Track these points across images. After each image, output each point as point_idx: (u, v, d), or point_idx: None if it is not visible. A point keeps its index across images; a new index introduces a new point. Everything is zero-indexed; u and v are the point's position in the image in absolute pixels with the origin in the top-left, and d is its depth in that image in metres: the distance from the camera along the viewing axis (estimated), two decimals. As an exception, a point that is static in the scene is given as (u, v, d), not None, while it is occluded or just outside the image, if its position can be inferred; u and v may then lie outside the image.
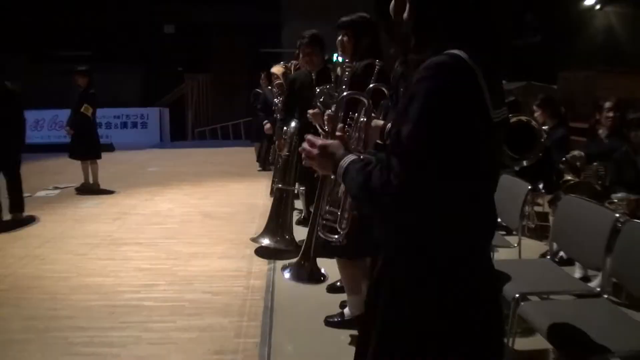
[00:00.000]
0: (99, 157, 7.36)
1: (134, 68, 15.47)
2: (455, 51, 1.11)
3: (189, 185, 7.82)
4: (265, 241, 4.32)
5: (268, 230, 4.38)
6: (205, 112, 14.57)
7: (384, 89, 2.23)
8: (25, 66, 14.95)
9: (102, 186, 7.44)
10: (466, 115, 1.10)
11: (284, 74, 5.42)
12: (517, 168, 4.78)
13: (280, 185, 4.35)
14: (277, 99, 5.92)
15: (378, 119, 1.94)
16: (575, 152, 4.53)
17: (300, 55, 4.28)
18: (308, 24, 14.66)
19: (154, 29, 15.04)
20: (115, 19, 14.57)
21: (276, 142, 4.55)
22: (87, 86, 7.18)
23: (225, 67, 14.32)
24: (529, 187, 3.22)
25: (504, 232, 4.06)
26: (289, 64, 5.59)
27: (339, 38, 3.01)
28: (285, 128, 4.42)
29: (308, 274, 3.05)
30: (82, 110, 7.04)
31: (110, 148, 11.58)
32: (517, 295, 2.38)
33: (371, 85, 2.22)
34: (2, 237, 5.12)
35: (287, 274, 3.08)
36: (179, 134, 14.54)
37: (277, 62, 14.77)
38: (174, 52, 15.21)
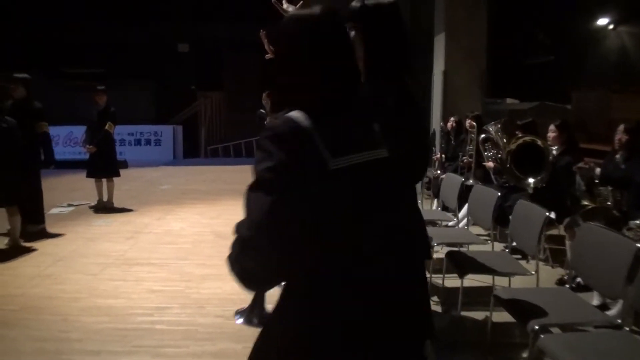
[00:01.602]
0: (118, 174, 7.42)
1: (148, 86, 15.64)
2: (293, 113, 1.25)
3: (201, 203, 7.83)
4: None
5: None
6: (218, 130, 14.67)
7: None
8: (41, 83, 15.17)
9: (116, 204, 7.48)
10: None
11: None
12: (530, 191, 4.75)
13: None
14: None
15: None
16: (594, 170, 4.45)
17: None
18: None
19: (168, 47, 15.22)
20: (129, 37, 14.76)
21: None
22: (106, 104, 7.27)
23: (238, 85, 14.43)
24: (547, 213, 3.16)
25: (519, 256, 4.01)
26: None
27: None
28: None
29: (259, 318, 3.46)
30: (106, 127, 7.11)
31: (123, 165, 11.63)
32: (536, 327, 2.32)
33: None
34: (14, 254, 5.13)
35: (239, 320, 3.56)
36: (192, 151, 14.62)
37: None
38: (188, 70, 15.36)
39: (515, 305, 2.69)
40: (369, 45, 1.85)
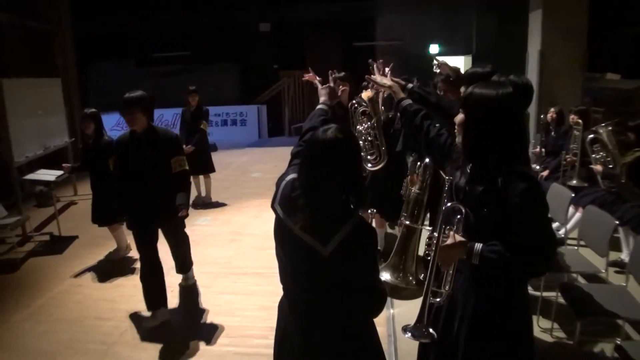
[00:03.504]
0: (214, 170, 7.74)
1: (232, 67, 15.95)
2: None
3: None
4: (386, 276, 4.36)
5: (390, 265, 4.41)
6: (301, 108, 14.76)
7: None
8: (131, 69, 15.88)
9: (213, 198, 7.83)
10: None
11: (371, 99, 5.04)
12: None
13: (408, 222, 4.33)
14: (362, 126, 4.74)
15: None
16: None
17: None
18: (402, 16, 14.39)
19: (250, 28, 15.35)
20: (212, 19, 15.02)
21: (408, 177, 4.50)
22: (199, 104, 7.53)
23: (320, 62, 14.38)
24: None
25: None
26: (378, 90, 5.12)
27: None
28: (419, 163, 4.37)
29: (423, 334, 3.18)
30: (201, 127, 7.40)
31: (213, 148, 12.06)
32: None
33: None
34: (131, 264, 5.53)
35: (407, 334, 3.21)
36: (276, 130, 14.89)
37: (370, 55, 14.77)
38: (270, 50, 15.48)
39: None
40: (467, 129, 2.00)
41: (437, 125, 2.45)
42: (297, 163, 1.96)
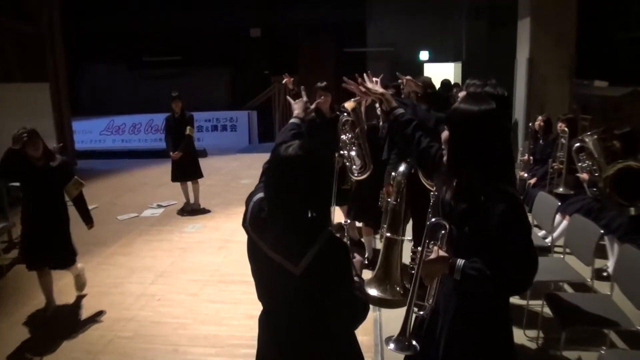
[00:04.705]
0: (202, 176, 7.72)
1: (223, 72, 15.94)
2: None
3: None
4: (372, 291, 4.36)
5: (375, 279, 4.42)
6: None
7: None
8: (123, 73, 15.83)
9: (201, 204, 7.81)
10: None
11: (354, 110, 5.04)
12: (632, 212, 4.52)
13: (388, 235, 4.34)
14: (346, 136, 4.91)
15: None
16: None
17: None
18: (393, 23, 14.45)
19: (241, 33, 15.35)
20: (204, 24, 15.01)
21: (384, 188, 4.51)
22: (182, 110, 7.48)
23: (311, 68, 14.42)
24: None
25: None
26: (361, 99, 5.07)
27: None
28: (393, 173, 4.37)
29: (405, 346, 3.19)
30: (187, 132, 7.38)
31: (203, 154, 12.05)
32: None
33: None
34: (119, 271, 5.50)
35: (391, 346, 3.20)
36: (266, 135, 14.88)
37: (361, 61, 14.82)
38: (261, 55, 15.49)
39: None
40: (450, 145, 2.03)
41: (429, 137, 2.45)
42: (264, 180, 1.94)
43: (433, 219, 2.04)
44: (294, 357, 1.94)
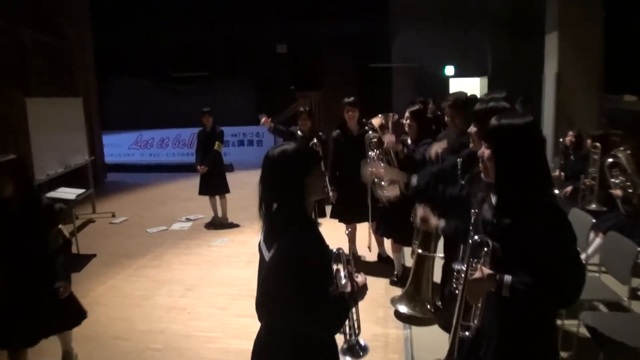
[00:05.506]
0: (229, 191, 7.78)
1: (249, 87, 16.12)
2: None
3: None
4: (402, 307, 4.33)
5: (406, 296, 4.39)
6: (317, 129, 14.82)
7: None
8: (149, 88, 16.13)
9: (229, 218, 7.87)
10: None
11: (381, 126, 5.10)
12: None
13: (420, 251, 4.31)
14: (374, 152, 4.98)
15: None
16: None
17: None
18: (417, 38, 14.43)
19: (267, 48, 15.54)
20: (231, 39, 15.23)
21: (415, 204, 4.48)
22: (213, 125, 7.62)
23: (336, 84, 14.48)
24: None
25: None
26: (388, 115, 5.01)
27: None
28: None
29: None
30: (215, 147, 7.48)
31: (230, 168, 12.15)
32: None
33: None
34: (149, 283, 5.57)
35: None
36: (291, 149, 14.95)
37: (386, 76, 14.84)
38: (287, 71, 15.64)
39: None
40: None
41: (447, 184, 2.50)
42: None
43: (476, 237, 2.03)
44: (255, 351, 2.10)
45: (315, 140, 5.96)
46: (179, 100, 15.51)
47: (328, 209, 6.07)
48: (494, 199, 2.07)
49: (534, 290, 1.88)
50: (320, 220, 5.95)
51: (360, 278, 2.07)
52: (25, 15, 8.96)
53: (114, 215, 8.55)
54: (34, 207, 3.38)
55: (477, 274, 1.95)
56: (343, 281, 2.03)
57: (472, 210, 2.18)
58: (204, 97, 13.65)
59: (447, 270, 3.70)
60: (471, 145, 2.62)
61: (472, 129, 2.58)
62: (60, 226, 3.50)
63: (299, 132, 6.20)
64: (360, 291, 2.05)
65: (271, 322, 2.02)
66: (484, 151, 2.05)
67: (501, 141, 1.99)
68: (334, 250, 2.06)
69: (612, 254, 3.93)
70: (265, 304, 2.02)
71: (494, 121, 2.03)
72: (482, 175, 2.11)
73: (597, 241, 5.09)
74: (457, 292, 2.06)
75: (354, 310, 2.09)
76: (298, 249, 1.88)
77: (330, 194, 5.63)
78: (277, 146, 2.05)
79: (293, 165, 1.97)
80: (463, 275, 2.03)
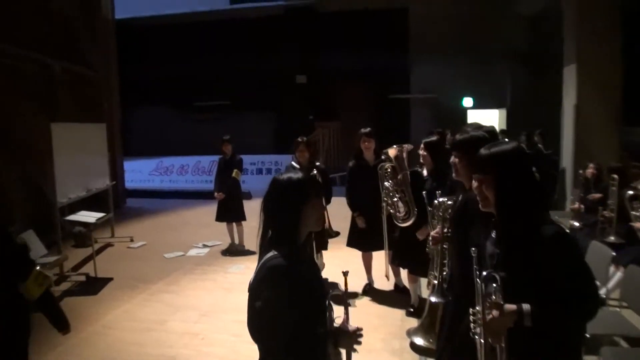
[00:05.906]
0: (245, 219, 7.82)
1: (268, 117, 16.34)
2: None
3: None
4: (418, 340, 4.26)
5: (422, 327, 4.33)
6: (336, 160, 14.90)
7: None
8: (171, 116, 16.45)
9: (246, 245, 7.89)
10: None
11: (397, 157, 5.01)
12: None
13: (436, 282, 4.25)
14: (389, 182, 5.00)
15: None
16: None
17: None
18: (436, 69, 14.56)
19: (287, 79, 15.79)
20: (250, 70, 15.53)
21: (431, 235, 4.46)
22: (232, 152, 7.72)
23: (355, 115, 14.60)
24: None
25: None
26: (403, 146, 5.08)
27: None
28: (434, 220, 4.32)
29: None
30: (233, 175, 7.57)
31: (247, 196, 12.20)
32: None
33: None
34: (163, 308, 5.58)
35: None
36: (309, 179, 15.03)
37: (404, 107, 14.93)
38: (305, 101, 15.84)
39: None
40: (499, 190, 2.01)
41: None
42: None
43: (484, 273, 1.98)
44: None
45: (315, 172, 5.58)
46: (200, 128, 15.76)
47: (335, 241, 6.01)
48: (493, 233, 2.06)
49: (555, 312, 1.86)
50: (334, 250, 5.91)
51: (341, 324, 2.07)
52: (56, 46, 9.27)
53: (132, 240, 8.63)
54: (6, 252, 2.87)
55: (495, 312, 1.88)
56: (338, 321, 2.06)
57: (472, 249, 2.10)
58: (224, 126, 13.85)
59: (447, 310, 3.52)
60: (454, 175, 2.69)
61: (454, 159, 2.63)
62: (38, 267, 2.99)
63: (293, 164, 6.02)
64: (339, 335, 2.05)
65: (261, 344, 2.02)
66: (478, 181, 2.05)
67: (500, 168, 1.99)
68: (331, 291, 2.11)
69: (633, 288, 3.85)
70: (252, 324, 2.05)
71: (484, 151, 2.04)
72: (481, 206, 2.09)
73: (617, 275, 4.98)
74: (476, 336, 1.98)
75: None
76: (281, 263, 1.91)
77: (357, 220, 5.62)
78: (286, 171, 2.13)
79: (292, 191, 2.01)
80: (480, 316, 1.96)
